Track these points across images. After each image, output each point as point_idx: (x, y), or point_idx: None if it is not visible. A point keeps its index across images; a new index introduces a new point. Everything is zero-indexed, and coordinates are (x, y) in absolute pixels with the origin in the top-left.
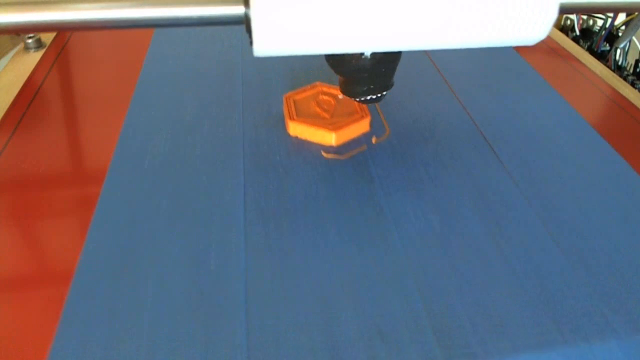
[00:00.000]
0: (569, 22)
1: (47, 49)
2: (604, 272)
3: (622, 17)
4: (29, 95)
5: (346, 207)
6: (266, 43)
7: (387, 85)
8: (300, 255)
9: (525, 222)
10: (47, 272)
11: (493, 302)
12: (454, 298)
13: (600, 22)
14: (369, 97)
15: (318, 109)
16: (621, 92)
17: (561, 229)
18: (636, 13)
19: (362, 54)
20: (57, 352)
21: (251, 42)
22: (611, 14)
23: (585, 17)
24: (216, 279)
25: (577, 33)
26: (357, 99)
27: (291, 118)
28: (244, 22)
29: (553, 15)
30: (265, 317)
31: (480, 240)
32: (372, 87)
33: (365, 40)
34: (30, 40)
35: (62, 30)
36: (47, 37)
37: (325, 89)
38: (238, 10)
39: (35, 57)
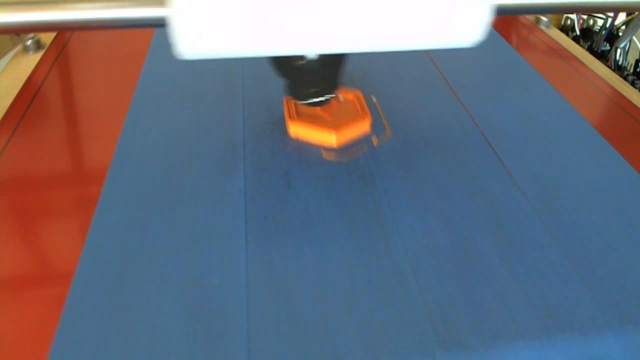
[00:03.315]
0: (569, 22)
1: (46, 50)
2: (601, 270)
3: (622, 17)
4: (29, 96)
5: (348, 218)
6: (189, 46)
7: (333, 88)
8: (301, 267)
9: (529, 228)
10: (47, 272)
11: (492, 299)
12: (457, 301)
13: (600, 22)
14: (315, 100)
15: (319, 110)
16: (621, 92)
17: (562, 229)
18: (636, 13)
19: (304, 56)
20: (56, 352)
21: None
22: (611, 14)
23: (585, 17)
24: (217, 279)
25: (577, 33)
26: (303, 102)
27: (292, 119)
28: (166, 24)
29: (486, 17)
30: (266, 332)
31: (486, 250)
32: (317, 90)
33: (296, 42)
34: (29, 42)
35: (62, 30)
36: (47, 38)
37: None
38: (159, 12)
39: (34, 58)
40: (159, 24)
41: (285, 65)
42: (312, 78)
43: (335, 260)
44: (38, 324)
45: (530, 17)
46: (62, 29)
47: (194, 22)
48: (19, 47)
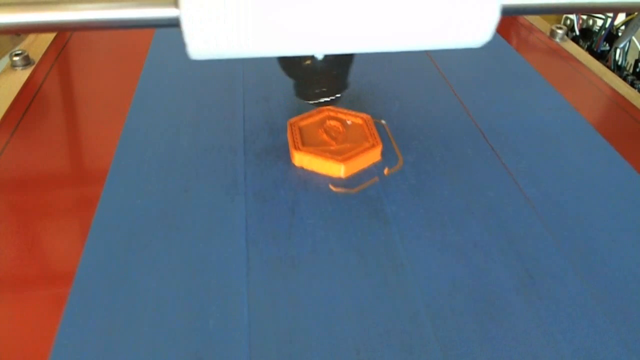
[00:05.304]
0: (568, 22)
1: (47, 49)
2: (626, 306)
3: (622, 17)
4: (29, 95)
5: (359, 256)
6: (200, 46)
7: (341, 88)
8: (308, 305)
9: (561, 274)
10: (48, 272)
11: (513, 342)
12: (475, 345)
13: (600, 22)
14: (322, 100)
15: (325, 137)
16: (621, 92)
17: (598, 280)
18: (636, 13)
19: (312, 56)
20: (58, 352)
21: (185, 45)
22: (611, 14)
23: (584, 17)
24: (216, 352)
25: (577, 33)
26: (310, 102)
27: (296, 148)
28: (177, 24)
29: (494, 17)
30: None
31: (510, 293)
32: (324, 89)
33: (303, 42)
34: (17, 58)
35: (62, 30)
36: (36, 55)
37: (332, 114)
38: (171, 12)
39: (22, 75)
40: (171, 25)
41: (292, 65)
42: (319, 78)
43: (345, 298)
44: (39, 324)
45: (546, 30)
46: (70, 29)
47: (204, 23)
48: (7, 63)
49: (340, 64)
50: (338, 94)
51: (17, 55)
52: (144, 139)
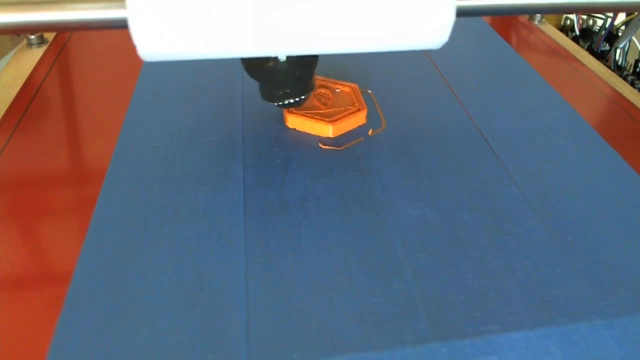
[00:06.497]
0: (568, 22)
1: (47, 49)
2: (594, 262)
3: (622, 17)
4: (29, 95)
5: (343, 200)
6: (150, 48)
7: (305, 89)
8: (298, 250)
9: (524, 219)
10: (47, 272)
11: (485, 285)
12: (448, 283)
13: (600, 22)
14: (287, 102)
15: (316, 102)
16: (621, 92)
17: (557, 223)
18: (636, 13)
19: (275, 57)
20: (55, 352)
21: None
22: (611, 14)
23: (585, 17)
24: (216, 273)
25: (577, 33)
26: (275, 103)
27: (289, 111)
28: (125, 25)
29: (450, 19)
30: (264, 318)
31: (476, 232)
32: (288, 91)
33: (254, 44)
34: (33, 36)
35: (62, 30)
36: (49, 34)
37: (323, 83)
38: (117, 13)
39: (37, 52)
40: (119, 26)
41: (255, 67)
42: (282, 80)
43: (330, 234)
44: (37, 324)
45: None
46: (9, 32)
47: (153, 25)
48: (23, 41)
49: (302, 65)
50: (303, 95)
51: (32, 33)
52: (143, 135)
